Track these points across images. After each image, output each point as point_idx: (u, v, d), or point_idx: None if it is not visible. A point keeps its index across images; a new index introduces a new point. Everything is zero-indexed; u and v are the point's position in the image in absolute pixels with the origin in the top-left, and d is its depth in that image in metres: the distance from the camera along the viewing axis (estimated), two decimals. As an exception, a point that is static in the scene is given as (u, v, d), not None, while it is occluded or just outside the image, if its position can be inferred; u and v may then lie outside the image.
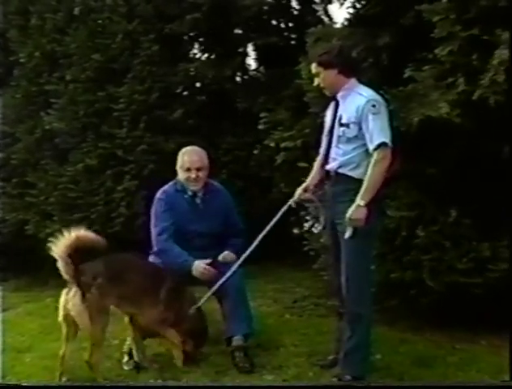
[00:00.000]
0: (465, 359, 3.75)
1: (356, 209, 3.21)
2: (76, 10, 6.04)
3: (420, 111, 3.78)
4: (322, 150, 3.55)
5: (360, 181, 3.27)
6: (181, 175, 4.03)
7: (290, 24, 6.95)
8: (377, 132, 3.23)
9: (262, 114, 5.47)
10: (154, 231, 4.03)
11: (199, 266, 3.84)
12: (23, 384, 3.56)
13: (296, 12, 6.94)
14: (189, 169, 3.98)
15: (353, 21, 4.75)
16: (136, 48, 6.08)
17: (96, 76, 5.97)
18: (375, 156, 3.22)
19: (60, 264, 3.50)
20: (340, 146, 3.38)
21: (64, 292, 3.58)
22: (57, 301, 5.44)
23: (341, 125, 3.36)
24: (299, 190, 3.64)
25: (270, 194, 6.13)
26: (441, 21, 3.76)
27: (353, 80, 3.42)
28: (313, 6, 6.86)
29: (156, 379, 3.64)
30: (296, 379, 3.53)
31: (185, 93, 6.76)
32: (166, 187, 4.12)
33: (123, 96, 5.92)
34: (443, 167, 3.97)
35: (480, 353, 3.83)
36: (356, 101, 3.32)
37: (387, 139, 3.23)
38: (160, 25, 6.29)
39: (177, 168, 4.06)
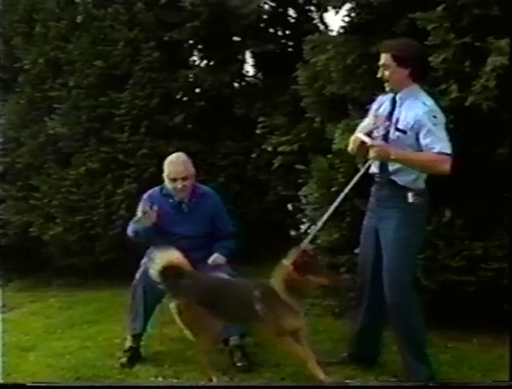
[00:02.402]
0: (457, 357, 3.78)
1: (379, 150, 3.18)
2: (79, 19, 6.10)
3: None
4: None
5: (407, 189, 3.27)
6: (168, 184, 4.04)
7: (287, 32, 7.05)
8: (442, 140, 3.14)
9: (259, 119, 5.56)
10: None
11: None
12: (26, 384, 3.55)
13: (292, 20, 7.05)
14: (175, 180, 3.97)
15: (348, 29, 4.77)
16: (137, 55, 6.16)
17: (98, 82, 6.04)
18: (435, 154, 3.13)
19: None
20: None
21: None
22: (60, 301, 5.63)
23: (397, 129, 3.27)
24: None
25: (268, 196, 6.26)
26: (435, 29, 3.79)
27: (416, 85, 3.32)
28: (310, 14, 6.95)
29: (157, 377, 3.66)
30: (293, 377, 3.55)
31: (185, 99, 6.82)
32: (151, 191, 4.16)
33: (124, 102, 6.01)
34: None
35: (472, 352, 3.86)
36: (416, 108, 3.21)
37: (448, 150, 3.14)
38: (160, 33, 6.39)
39: (164, 176, 4.07)
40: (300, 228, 5.73)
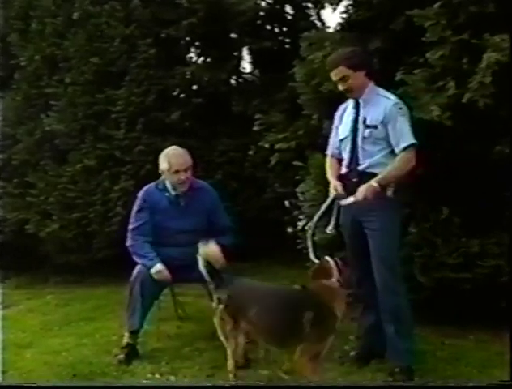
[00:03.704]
0: (454, 354, 3.79)
1: (368, 187, 3.27)
2: (75, 15, 6.11)
3: (411, 113, 3.83)
4: (346, 152, 3.53)
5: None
6: (170, 178, 4.02)
7: (284, 29, 7.08)
8: (406, 133, 3.32)
9: (256, 116, 5.52)
10: (129, 228, 4.11)
11: (159, 268, 3.90)
12: (24, 384, 3.56)
13: (289, 17, 7.06)
14: (177, 172, 3.97)
15: (345, 26, 4.78)
16: (133, 51, 6.18)
17: (94, 79, 6.04)
18: (404, 154, 3.31)
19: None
20: (366, 147, 3.41)
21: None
22: (57, 298, 5.63)
23: (367, 126, 3.40)
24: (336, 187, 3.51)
25: (265, 193, 6.26)
26: (433, 26, 3.80)
27: (373, 83, 3.49)
28: (307, 11, 6.97)
29: (154, 373, 3.66)
30: (290, 374, 3.50)
31: (182, 96, 6.85)
32: (147, 187, 4.16)
33: (121, 99, 6.01)
34: (434, 167, 3.98)
35: (468, 348, 3.87)
36: (382, 103, 3.38)
37: (415, 141, 3.32)
38: (156, 29, 6.41)
39: (163, 171, 4.04)
40: (297, 225, 5.74)
